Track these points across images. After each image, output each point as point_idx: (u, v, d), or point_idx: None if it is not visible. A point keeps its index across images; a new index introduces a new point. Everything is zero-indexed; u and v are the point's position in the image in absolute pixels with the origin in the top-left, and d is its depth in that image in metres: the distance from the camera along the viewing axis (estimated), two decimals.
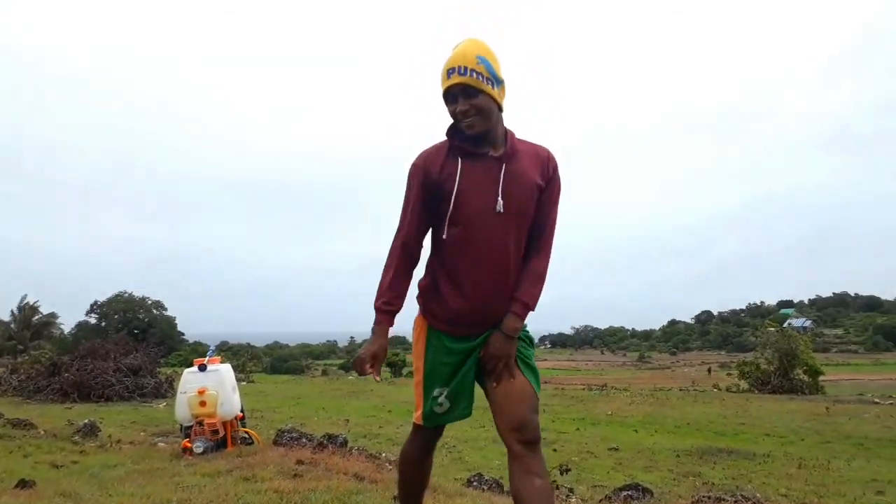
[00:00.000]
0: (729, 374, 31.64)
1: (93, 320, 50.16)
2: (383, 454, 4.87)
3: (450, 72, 1.95)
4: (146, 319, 50.85)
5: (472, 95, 1.94)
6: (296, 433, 5.04)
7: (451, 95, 1.98)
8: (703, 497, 4.14)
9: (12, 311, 42.35)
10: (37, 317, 43.43)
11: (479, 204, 1.99)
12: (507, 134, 2.06)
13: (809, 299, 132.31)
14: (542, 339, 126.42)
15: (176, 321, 54.04)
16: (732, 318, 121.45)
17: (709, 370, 52.05)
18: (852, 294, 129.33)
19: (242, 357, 37.10)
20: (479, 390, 2.13)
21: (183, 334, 55.76)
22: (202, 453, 4.68)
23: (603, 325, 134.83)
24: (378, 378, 2.13)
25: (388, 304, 2.07)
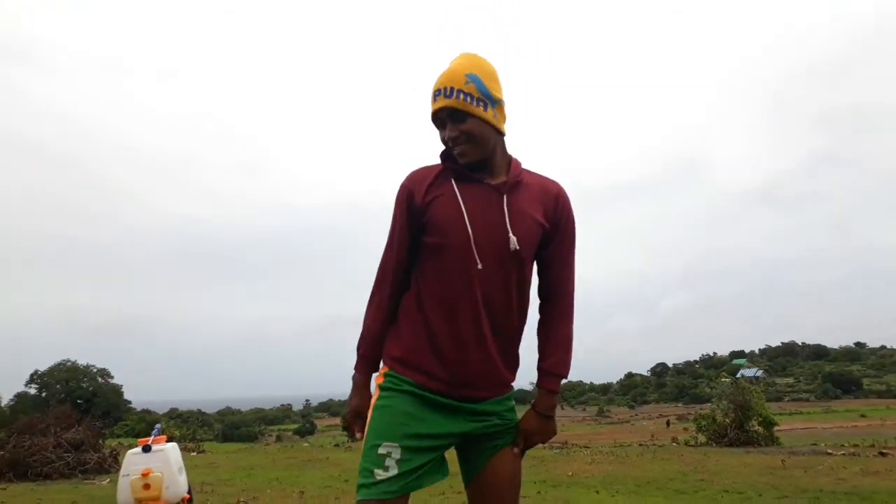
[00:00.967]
0: (686, 429, 31.92)
1: (33, 391, 47.77)
2: None
3: (436, 94, 1.70)
4: (90, 388, 48.76)
5: (460, 120, 1.69)
6: None
7: (439, 120, 1.73)
8: None
9: None
10: None
11: (481, 239, 1.69)
12: (511, 162, 1.79)
13: (759, 349, 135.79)
14: None
15: (122, 389, 51.99)
16: (687, 370, 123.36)
17: (667, 423, 52.31)
18: (800, 343, 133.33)
19: (193, 425, 35.62)
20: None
21: (130, 402, 53.56)
22: None
23: None
24: (360, 436, 1.77)
25: (370, 350, 1.80)
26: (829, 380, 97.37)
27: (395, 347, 1.77)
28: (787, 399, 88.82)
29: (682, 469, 10.54)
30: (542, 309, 1.86)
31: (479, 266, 1.68)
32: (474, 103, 1.68)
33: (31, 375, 48.14)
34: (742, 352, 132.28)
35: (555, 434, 1.84)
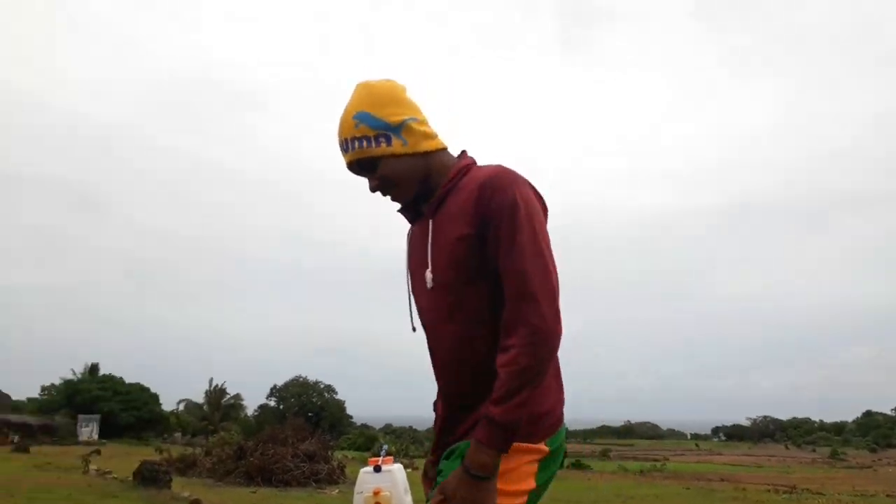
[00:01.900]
0: None
1: (272, 403, 54.10)
2: None
3: (340, 148, 1.52)
4: (319, 403, 53.94)
5: (371, 169, 1.48)
6: None
7: (355, 173, 1.54)
8: None
9: (206, 392, 46.88)
10: (225, 398, 47.61)
11: (413, 282, 1.54)
12: (447, 174, 1.49)
13: None
14: (716, 430, 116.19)
15: (345, 405, 56.73)
16: None
17: None
18: None
19: (405, 440, 37.73)
20: None
21: (351, 417, 58.30)
22: None
23: (784, 416, 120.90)
24: None
25: None
26: None
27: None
28: None
29: None
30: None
31: (417, 321, 1.54)
32: (373, 144, 1.45)
33: (271, 389, 54.65)
34: None
35: None
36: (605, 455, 49.46)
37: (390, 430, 54.54)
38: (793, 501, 15.59)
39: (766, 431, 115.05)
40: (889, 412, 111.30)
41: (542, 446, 1.38)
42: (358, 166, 1.50)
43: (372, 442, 37.11)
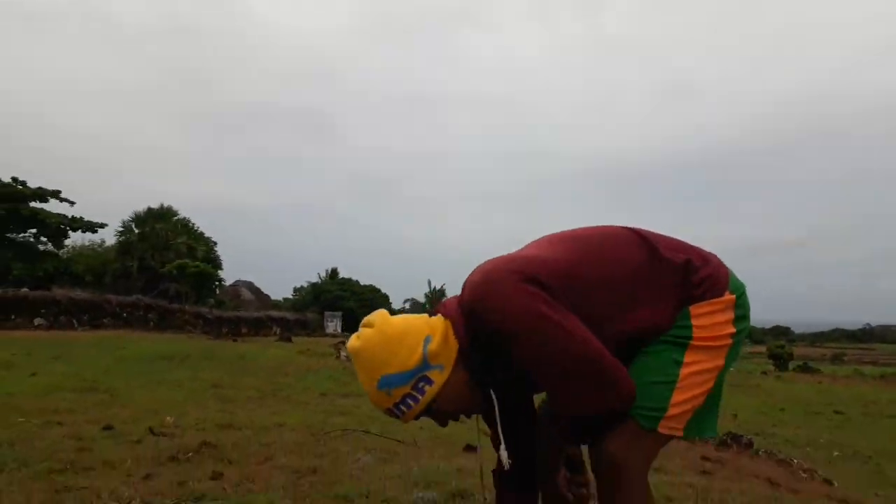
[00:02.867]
0: None
1: None
2: (795, 460, 4.57)
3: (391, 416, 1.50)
4: None
5: (431, 414, 1.47)
6: None
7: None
8: None
9: (426, 293, 50.87)
10: (443, 298, 51.09)
11: None
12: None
13: None
14: None
15: None
16: None
17: None
18: None
19: None
20: None
21: None
22: None
23: None
24: None
25: None
26: None
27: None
28: None
29: None
30: None
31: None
32: (419, 396, 1.40)
33: None
34: None
35: None
36: (837, 359, 45.31)
37: None
38: None
39: None
40: None
41: (727, 296, 1.46)
42: (420, 416, 1.46)
43: None
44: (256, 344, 18.63)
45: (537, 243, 1.55)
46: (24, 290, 21.68)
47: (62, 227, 29.46)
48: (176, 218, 35.00)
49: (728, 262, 1.57)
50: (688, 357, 1.43)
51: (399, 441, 4.36)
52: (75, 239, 33.69)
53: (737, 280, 1.52)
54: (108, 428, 4.29)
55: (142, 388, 6.92)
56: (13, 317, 19.77)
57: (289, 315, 32.62)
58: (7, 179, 27.94)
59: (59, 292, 22.17)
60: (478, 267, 1.45)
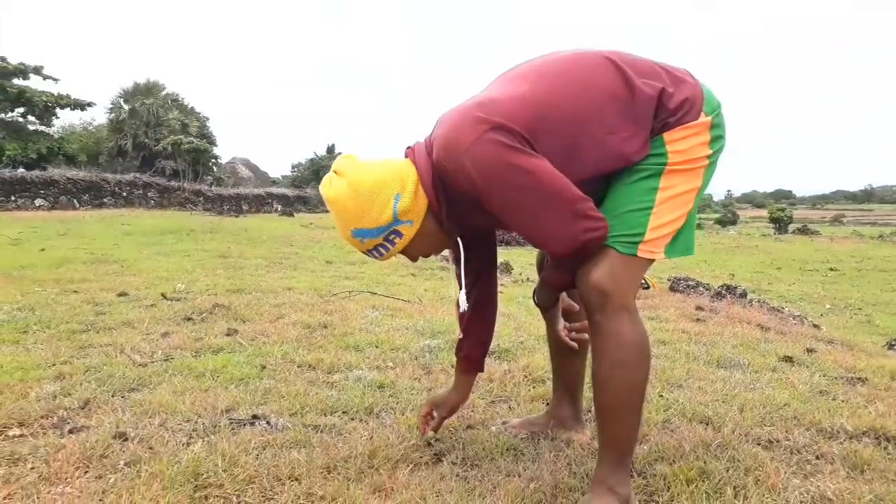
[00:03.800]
0: None
1: None
2: (786, 308, 4.75)
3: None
4: None
5: (405, 256, 1.57)
6: (692, 281, 5.23)
7: None
8: None
9: None
10: None
11: None
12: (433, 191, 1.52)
13: None
14: None
15: None
16: None
17: None
18: None
19: None
20: None
21: None
22: None
23: None
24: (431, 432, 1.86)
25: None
26: None
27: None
28: None
29: None
30: None
31: None
32: (390, 247, 1.49)
33: None
34: None
35: None
36: (837, 221, 45.78)
37: None
38: None
39: None
40: None
41: (703, 119, 1.46)
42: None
43: None
44: (259, 219, 18.80)
45: (509, 77, 1.51)
46: (21, 170, 21.52)
47: (49, 105, 28.73)
48: (164, 93, 34.08)
49: None
50: (663, 182, 1.45)
51: (404, 300, 4.51)
52: (64, 119, 33.02)
53: (712, 98, 1.50)
54: (122, 294, 4.43)
55: (150, 260, 7.07)
56: (13, 198, 19.81)
57: (289, 192, 32.59)
58: None
59: (56, 172, 22.04)
60: (445, 116, 1.46)
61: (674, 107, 1.43)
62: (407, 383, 2.45)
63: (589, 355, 1.66)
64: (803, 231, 30.08)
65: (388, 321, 3.67)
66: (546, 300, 1.72)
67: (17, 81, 27.72)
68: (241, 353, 2.84)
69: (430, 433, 1.85)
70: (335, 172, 1.48)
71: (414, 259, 1.58)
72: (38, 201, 20.18)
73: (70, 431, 1.90)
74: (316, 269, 6.77)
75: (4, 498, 1.48)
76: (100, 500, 1.47)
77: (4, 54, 27.65)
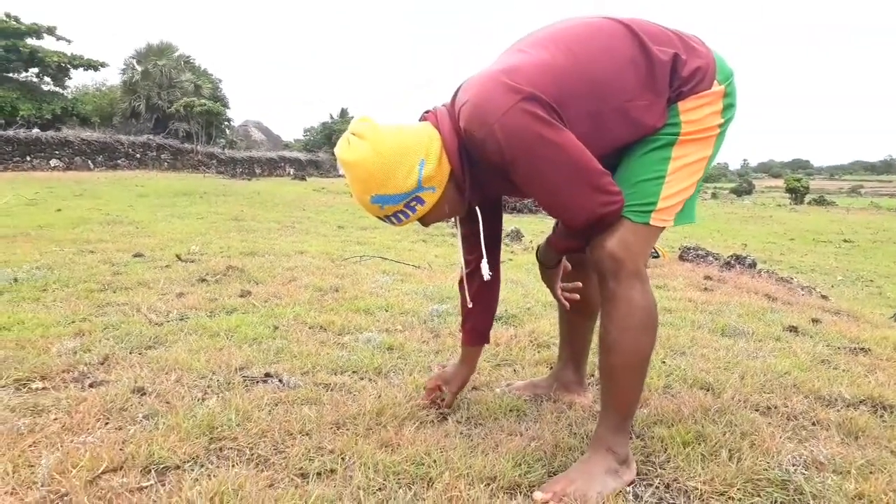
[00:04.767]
0: None
1: None
2: (795, 279, 4.75)
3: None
4: None
5: (424, 223, 1.56)
6: (702, 251, 5.22)
7: None
8: None
9: None
10: None
11: None
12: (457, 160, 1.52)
13: None
14: None
15: None
16: None
17: None
18: None
19: None
20: None
21: None
22: None
23: None
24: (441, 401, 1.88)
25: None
26: None
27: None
28: None
29: None
30: None
31: None
32: (410, 213, 1.47)
33: None
34: None
35: None
36: (854, 192, 45.15)
37: None
38: None
39: None
40: None
41: (716, 87, 1.46)
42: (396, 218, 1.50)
43: None
44: (272, 183, 18.81)
45: (527, 45, 1.49)
46: (36, 131, 21.64)
47: (63, 65, 28.70)
48: (177, 54, 33.89)
49: None
50: (675, 152, 1.46)
51: (415, 266, 4.56)
52: (78, 80, 33.00)
53: (725, 66, 1.50)
54: (138, 255, 4.51)
55: (164, 222, 7.15)
56: (28, 158, 19.95)
57: (301, 156, 32.58)
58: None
59: (70, 133, 22.15)
60: (471, 82, 1.44)
61: (687, 75, 1.43)
62: (415, 346, 2.51)
63: (597, 322, 1.69)
64: (819, 202, 29.74)
65: (397, 286, 3.72)
66: (550, 260, 1.75)
67: (30, 41, 27.67)
68: (254, 314, 2.91)
69: (446, 409, 1.87)
70: (354, 135, 1.42)
71: (427, 224, 1.56)
72: (52, 161, 20.33)
73: (90, 385, 1.98)
74: (328, 234, 6.83)
75: (30, 446, 1.55)
76: (120, 449, 1.54)
77: (18, 14, 27.44)
